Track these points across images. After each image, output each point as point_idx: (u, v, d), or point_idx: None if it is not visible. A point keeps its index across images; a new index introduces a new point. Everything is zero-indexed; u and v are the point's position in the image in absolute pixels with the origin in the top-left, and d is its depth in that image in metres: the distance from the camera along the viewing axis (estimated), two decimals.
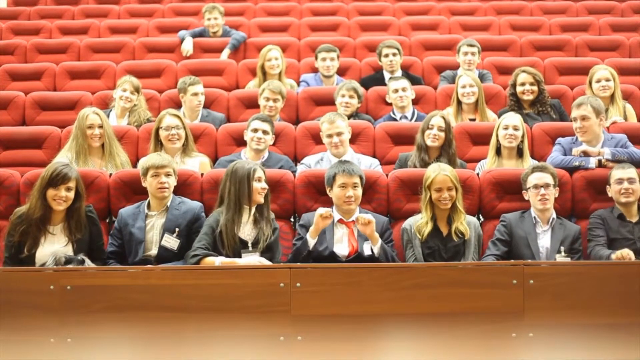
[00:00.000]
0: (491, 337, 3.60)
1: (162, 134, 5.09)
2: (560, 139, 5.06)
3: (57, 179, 4.22)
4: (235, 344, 3.62)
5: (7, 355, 3.54)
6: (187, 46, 7.20)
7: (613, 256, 4.22)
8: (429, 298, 3.62)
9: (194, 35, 7.36)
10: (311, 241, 4.36)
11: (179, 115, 5.16)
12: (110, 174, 4.83)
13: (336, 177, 4.43)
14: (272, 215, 4.43)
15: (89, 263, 4.15)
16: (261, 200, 4.33)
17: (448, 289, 3.64)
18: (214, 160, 5.40)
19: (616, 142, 4.93)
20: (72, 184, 4.26)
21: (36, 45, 7.39)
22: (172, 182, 4.48)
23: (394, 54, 6.54)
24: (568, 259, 4.38)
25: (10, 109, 6.28)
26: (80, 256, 4.17)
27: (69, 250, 4.25)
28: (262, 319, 3.60)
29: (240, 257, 4.22)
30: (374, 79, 6.58)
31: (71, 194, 4.26)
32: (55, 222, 4.31)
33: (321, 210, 4.32)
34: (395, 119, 5.83)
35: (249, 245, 4.28)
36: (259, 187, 4.30)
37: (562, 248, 4.41)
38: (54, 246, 4.25)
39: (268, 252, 4.29)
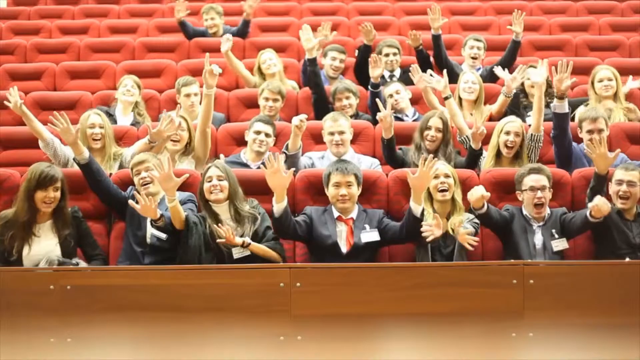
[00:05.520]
0: (491, 337, 3.61)
1: None
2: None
3: (45, 181, 4.23)
4: (235, 344, 3.62)
5: (7, 355, 3.54)
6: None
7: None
8: (429, 298, 3.63)
9: (197, 35, 7.37)
10: (279, 205, 4.25)
11: (186, 118, 5.18)
12: (110, 174, 4.84)
13: (330, 176, 4.45)
14: (254, 203, 4.46)
15: (83, 266, 4.17)
16: (217, 197, 4.35)
17: (448, 289, 3.64)
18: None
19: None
20: (58, 185, 4.28)
21: (36, 45, 7.39)
22: (156, 174, 4.44)
23: (394, 54, 6.55)
24: (564, 240, 4.41)
25: (10, 108, 6.26)
26: (75, 260, 4.19)
27: (58, 250, 4.26)
28: (262, 319, 3.61)
29: (232, 254, 4.27)
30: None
31: (58, 194, 4.28)
32: (41, 221, 4.31)
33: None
34: (400, 119, 5.85)
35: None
36: (208, 186, 4.36)
37: (554, 231, 4.43)
38: (41, 246, 4.25)
39: (262, 238, 4.35)
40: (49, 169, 4.28)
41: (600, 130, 4.92)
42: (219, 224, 4.26)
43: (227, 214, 4.39)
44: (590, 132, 4.94)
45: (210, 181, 4.38)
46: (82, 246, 4.40)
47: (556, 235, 4.43)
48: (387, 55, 6.54)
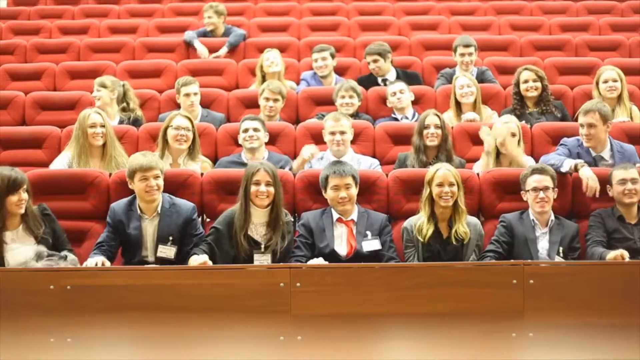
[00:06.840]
0: (491, 337, 3.61)
1: (170, 132, 5.05)
2: (565, 139, 5.04)
3: (15, 185, 4.18)
4: (235, 344, 3.62)
5: (7, 355, 3.54)
6: (202, 50, 7.14)
7: (608, 257, 4.14)
8: (429, 298, 3.63)
9: (199, 35, 7.37)
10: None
11: (190, 118, 5.15)
12: (110, 174, 4.83)
13: (329, 179, 4.44)
14: (288, 218, 4.39)
15: (72, 258, 4.15)
16: (262, 203, 4.29)
17: (448, 289, 3.65)
18: (214, 160, 5.40)
19: (627, 157, 4.91)
20: (25, 186, 4.24)
21: (36, 45, 7.38)
22: (161, 183, 4.36)
23: (374, 61, 6.42)
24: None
25: (10, 108, 6.27)
26: (64, 253, 4.17)
27: (40, 249, 4.20)
28: (262, 319, 3.61)
29: (252, 257, 4.22)
30: (368, 80, 6.49)
31: (26, 195, 4.24)
32: (13, 227, 4.24)
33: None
34: (397, 119, 5.84)
35: (262, 246, 4.27)
36: (255, 190, 4.28)
37: (561, 249, 4.40)
38: (21, 253, 4.17)
39: (284, 258, 4.29)
40: (14, 172, 4.23)
41: (591, 125, 4.85)
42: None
43: (264, 218, 4.31)
44: (581, 125, 4.90)
45: (258, 184, 4.28)
46: (54, 243, 4.30)
47: (561, 254, 4.39)
48: (368, 64, 6.52)
